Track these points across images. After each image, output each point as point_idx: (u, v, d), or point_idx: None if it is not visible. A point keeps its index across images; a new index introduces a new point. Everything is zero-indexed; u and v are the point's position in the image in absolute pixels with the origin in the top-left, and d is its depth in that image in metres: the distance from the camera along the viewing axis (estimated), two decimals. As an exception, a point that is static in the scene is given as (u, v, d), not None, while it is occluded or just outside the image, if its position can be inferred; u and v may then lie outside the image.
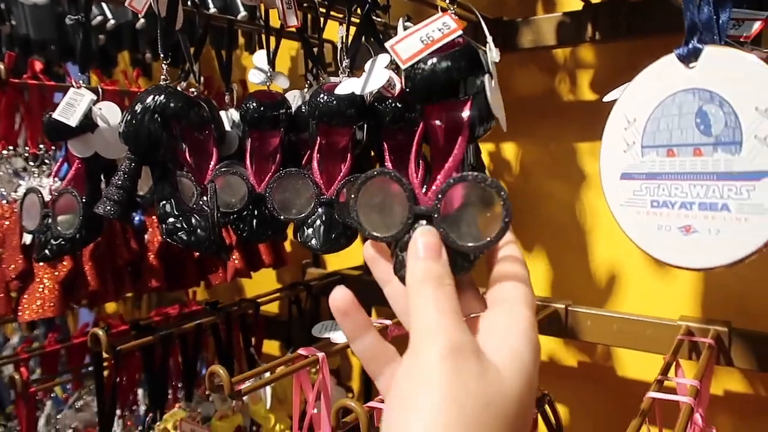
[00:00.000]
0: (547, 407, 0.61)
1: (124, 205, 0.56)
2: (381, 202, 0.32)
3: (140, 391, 0.96)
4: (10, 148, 0.77)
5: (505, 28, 0.82)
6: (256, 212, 0.65)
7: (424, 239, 0.30)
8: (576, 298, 0.83)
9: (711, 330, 0.68)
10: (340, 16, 0.72)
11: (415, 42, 0.40)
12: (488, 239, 0.29)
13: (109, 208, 0.55)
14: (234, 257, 0.94)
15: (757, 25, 0.37)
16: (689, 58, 0.34)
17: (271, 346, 1.19)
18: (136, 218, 0.86)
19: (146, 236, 0.87)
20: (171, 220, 0.57)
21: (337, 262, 1.12)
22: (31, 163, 0.77)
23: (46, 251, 0.62)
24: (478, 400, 0.26)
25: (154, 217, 0.86)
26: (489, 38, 0.47)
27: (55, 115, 0.61)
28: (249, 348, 0.89)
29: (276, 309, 1.18)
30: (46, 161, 0.77)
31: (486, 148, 0.97)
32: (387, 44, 0.42)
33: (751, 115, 0.31)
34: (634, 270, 0.85)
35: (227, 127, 0.73)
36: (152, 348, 0.70)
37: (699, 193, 0.34)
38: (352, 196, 0.32)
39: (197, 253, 0.89)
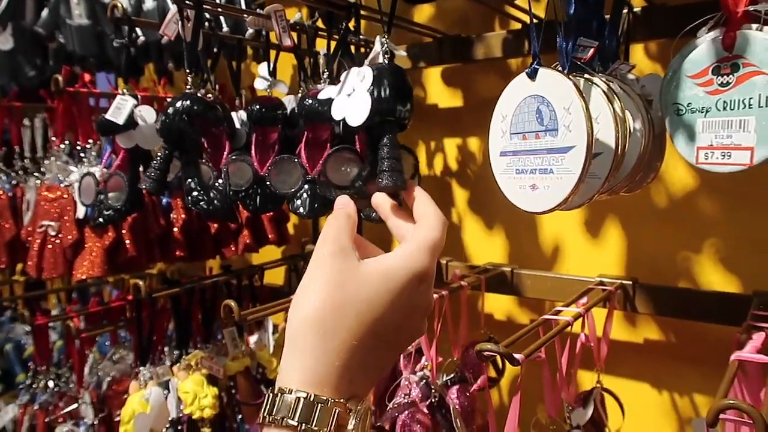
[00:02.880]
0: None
1: (160, 183, 0.75)
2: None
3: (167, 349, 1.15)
4: (67, 142, 0.97)
5: (463, 43, 1.01)
6: (260, 190, 0.83)
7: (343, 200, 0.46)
8: (526, 264, 1.02)
9: (618, 282, 0.86)
10: (325, 34, 0.90)
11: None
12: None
13: (149, 184, 0.74)
14: (244, 234, 1.13)
15: (591, 51, 0.55)
16: (533, 75, 0.52)
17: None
18: (164, 200, 1.06)
19: (172, 215, 1.06)
20: (195, 193, 0.76)
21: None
22: (81, 155, 0.97)
23: (100, 219, 0.82)
24: (345, 284, 0.38)
25: (178, 199, 1.06)
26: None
27: (107, 116, 0.81)
28: (255, 304, 1.08)
29: (280, 281, 1.37)
30: (93, 153, 0.97)
31: (455, 141, 1.16)
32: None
33: (562, 111, 0.50)
34: (571, 241, 1.03)
35: (237, 125, 0.92)
36: (179, 297, 0.90)
37: (538, 162, 0.52)
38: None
39: (215, 224, 1.08)
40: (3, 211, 1.05)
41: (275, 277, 1.31)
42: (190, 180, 0.77)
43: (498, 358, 0.82)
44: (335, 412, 0.36)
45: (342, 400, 0.37)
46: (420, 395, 0.79)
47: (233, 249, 1.14)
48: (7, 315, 1.42)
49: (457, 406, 0.80)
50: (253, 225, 1.14)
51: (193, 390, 0.85)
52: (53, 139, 0.98)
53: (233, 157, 0.82)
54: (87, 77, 0.98)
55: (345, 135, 0.79)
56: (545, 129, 0.51)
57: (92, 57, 1.21)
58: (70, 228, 0.95)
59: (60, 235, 0.95)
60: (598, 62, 0.60)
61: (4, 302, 1.28)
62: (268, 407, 0.37)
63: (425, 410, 0.77)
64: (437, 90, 1.16)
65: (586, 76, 0.56)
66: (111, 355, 1.17)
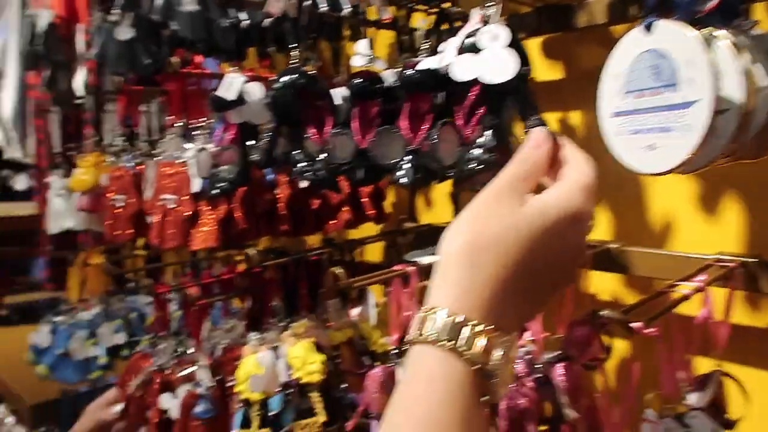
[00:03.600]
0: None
1: (269, 156, 0.79)
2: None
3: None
4: (181, 122, 1.04)
5: (563, 11, 0.97)
6: (362, 163, 0.85)
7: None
8: (633, 241, 0.97)
9: (740, 260, 0.80)
10: (425, 7, 0.91)
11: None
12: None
13: (258, 157, 0.78)
14: (344, 210, 1.16)
15: (712, 2, 0.51)
16: (649, 28, 0.50)
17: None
18: (269, 176, 1.10)
19: (277, 191, 1.11)
20: (301, 164, 0.79)
21: (427, 217, 1.32)
22: (195, 133, 1.03)
23: (214, 191, 0.87)
24: (500, 219, 0.39)
25: (283, 175, 1.10)
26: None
27: (218, 93, 0.85)
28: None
29: (378, 257, 1.40)
30: (206, 131, 1.03)
31: (555, 116, 1.12)
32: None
33: (682, 65, 0.47)
34: (684, 216, 0.98)
35: (339, 101, 0.94)
36: (287, 268, 0.94)
37: (656, 121, 0.50)
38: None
39: (316, 200, 1.12)
40: (128, 188, 1.14)
41: (374, 254, 1.33)
42: (296, 152, 0.80)
43: (603, 339, 0.79)
44: (483, 336, 0.37)
45: (491, 327, 0.37)
46: (525, 371, 0.78)
47: (334, 224, 1.17)
48: (130, 287, 1.55)
49: (562, 384, 0.78)
50: (353, 201, 1.17)
51: (302, 355, 0.89)
52: (169, 118, 1.05)
53: (336, 131, 0.85)
54: (198, 59, 1.04)
55: (449, 103, 0.79)
56: (664, 85, 0.49)
57: (201, 42, 1.28)
58: (187, 201, 1.01)
59: (178, 208, 1.02)
60: (719, 16, 0.56)
61: (128, 274, 1.39)
62: (417, 326, 0.38)
63: (530, 384, 0.76)
64: (537, 62, 1.13)
65: (709, 28, 0.52)
66: (223, 326, 1.25)
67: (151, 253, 1.44)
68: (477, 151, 0.64)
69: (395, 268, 0.83)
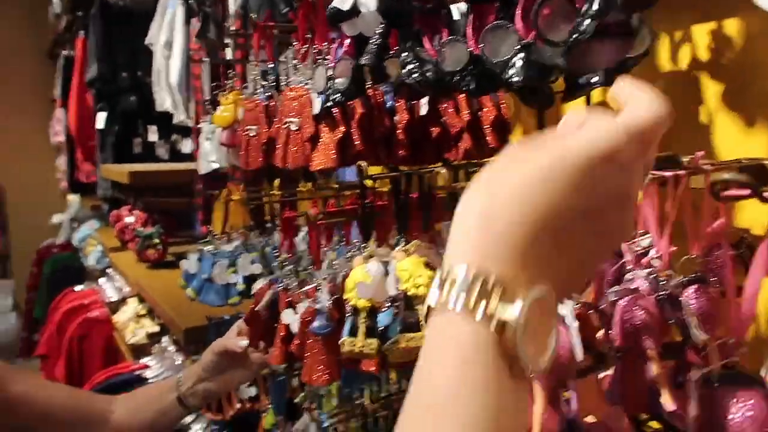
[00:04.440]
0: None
1: (379, 57, 0.79)
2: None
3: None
4: (305, 46, 1.07)
5: None
6: (475, 71, 0.82)
7: None
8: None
9: None
10: None
11: None
12: None
13: (367, 58, 0.78)
14: (464, 138, 1.13)
15: None
16: None
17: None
18: (389, 102, 1.11)
19: (396, 117, 1.11)
20: (410, 66, 0.78)
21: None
22: (318, 56, 1.06)
23: (329, 103, 0.89)
24: (522, 163, 0.35)
25: (401, 101, 1.10)
26: None
27: (334, 4, 0.87)
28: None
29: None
30: (328, 54, 1.05)
31: (706, 27, 0.99)
32: None
33: None
34: None
35: (457, 16, 0.91)
36: (398, 183, 0.94)
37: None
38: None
39: (436, 129, 1.10)
40: (259, 118, 1.21)
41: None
42: (406, 54, 0.78)
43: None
44: (499, 288, 0.32)
45: (512, 278, 0.33)
46: (647, 289, 0.71)
47: (453, 153, 1.15)
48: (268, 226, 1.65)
49: (693, 307, 0.70)
50: (473, 130, 1.14)
51: (410, 269, 0.89)
52: (294, 43, 1.09)
53: (449, 39, 0.82)
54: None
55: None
56: None
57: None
58: (308, 123, 1.05)
59: (300, 130, 1.06)
60: None
61: (265, 203, 1.48)
62: (434, 290, 0.35)
63: (651, 300, 0.68)
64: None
65: None
66: (344, 255, 1.29)
67: (285, 193, 1.51)
68: (586, 22, 0.58)
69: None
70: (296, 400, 1.53)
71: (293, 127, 1.07)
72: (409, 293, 0.89)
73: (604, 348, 0.67)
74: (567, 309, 0.63)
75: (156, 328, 2.70)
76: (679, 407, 0.64)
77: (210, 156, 1.66)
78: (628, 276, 0.71)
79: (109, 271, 3.50)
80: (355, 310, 0.91)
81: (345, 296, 0.90)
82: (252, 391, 1.74)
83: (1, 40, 5.09)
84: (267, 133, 1.19)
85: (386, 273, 0.92)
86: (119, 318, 2.99)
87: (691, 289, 0.71)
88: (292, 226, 1.24)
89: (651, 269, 0.74)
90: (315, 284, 1.14)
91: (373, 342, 0.91)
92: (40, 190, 5.15)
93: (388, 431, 1.06)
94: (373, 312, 0.92)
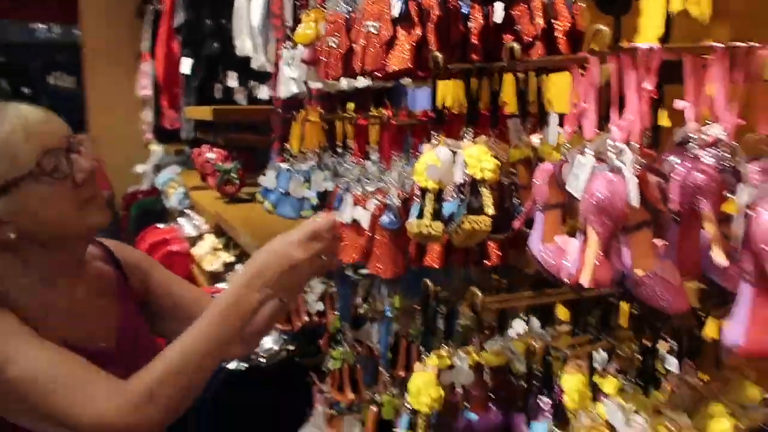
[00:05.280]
0: None
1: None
2: None
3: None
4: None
5: None
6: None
7: None
8: None
9: None
10: None
11: None
12: None
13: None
14: (537, 45, 1.16)
15: None
16: None
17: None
18: (464, 9, 1.15)
19: (470, 23, 1.15)
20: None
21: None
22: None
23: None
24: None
25: (475, 6, 1.14)
26: None
27: None
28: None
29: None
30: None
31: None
32: None
33: None
34: None
35: None
36: (470, 72, 1.00)
37: None
38: None
39: (510, 36, 1.13)
40: (340, 30, 1.28)
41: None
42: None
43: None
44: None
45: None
46: (710, 159, 0.72)
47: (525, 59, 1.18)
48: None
49: (756, 182, 0.71)
50: (546, 38, 1.16)
51: (478, 155, 0.94)
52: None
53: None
54: None
55: None
56: None
57: None
58: (387, 25, 1.10)
59: (378, 33, 1.12)
60: None
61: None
62: None
63: (713, 164, 0.70)
64: None
65: None
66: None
67: (358, 116, 1.57)
68: None
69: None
70: (360, 311, 1.63)
71: (372, 30, 1.13)
72: (476, 177, 0.94)
73: (660, 206, 0.70)
74: (627, 160, 0.67)
75: (231, 258, 2.88)
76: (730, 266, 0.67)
77: (290, 81, 1.75)
78: (690, 146, 0.73)
79: (187, 211, 3.73)
80: (423, 193, 0.97)
81: (415, 178, 0.97)
82: (320, 306, 1.86)
83: (92, 2, 5.39)
84: (347, 43, 1.26)
85: (454, 161, 0.97)
86: (197, 252, 3.19)
87: (757, 165, 0.72)
88: (364, 130, 1.31)
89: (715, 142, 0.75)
90: (384, 185, 1.21)
91: (439, 225, 0.97)
92: (126, 141, 5.47)
93: (448, 331, 1.12)
94: (439, 197, 0.98)
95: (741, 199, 0.60)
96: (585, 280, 0.66)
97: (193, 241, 3.38)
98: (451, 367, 1.05)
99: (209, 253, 3.08)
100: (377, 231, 1.19)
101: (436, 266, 1.16)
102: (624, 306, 0.98)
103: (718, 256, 0.66)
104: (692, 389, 0.83)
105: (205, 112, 2.93)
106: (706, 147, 0.73)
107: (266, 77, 3.54)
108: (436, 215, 0.98)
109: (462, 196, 0.97)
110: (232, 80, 3.50)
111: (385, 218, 1.17)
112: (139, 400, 0.87)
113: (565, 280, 0.75)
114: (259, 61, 2.99)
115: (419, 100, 1.75)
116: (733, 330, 0.59)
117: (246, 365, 2.00)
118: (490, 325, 1.11)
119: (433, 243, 1.12)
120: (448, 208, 1.00)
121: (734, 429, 0.77)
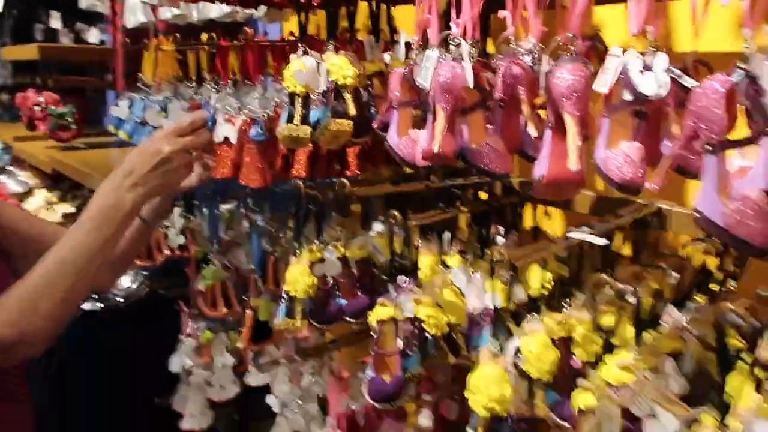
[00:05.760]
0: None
1: None
2: None
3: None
4: None
5: None
6: None
7: None
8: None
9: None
10: None
11: None
12: None
13: None
14: None
15: None
16: None
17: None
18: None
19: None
20: None
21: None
22: None
23: None
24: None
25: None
26: None
27: None
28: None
29: None
30: None
31: None
32: None
33: None
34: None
35: None
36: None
37: None
38: None
39: None
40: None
41: None
42: None
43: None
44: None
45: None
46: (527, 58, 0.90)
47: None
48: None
49: (566, 83, 0.88)
50: None
51: (339, 63, 1.06)
52: None
53: None
54: None
55: None
56: None
57: None
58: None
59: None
60: None
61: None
62: None
63: (528, 61, 0.88)
64: None
65: None
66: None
67: (214, 45, 1.60)
68: None
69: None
70: (226, 237, 1.70)
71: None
72: (339, 83, 1.07)
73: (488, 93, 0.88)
74: (464, 51, 0.83)
75: (72, 209, 2.72)
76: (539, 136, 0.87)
77: (137, 10, 1.72)
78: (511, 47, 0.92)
79: (8, 167, 3.40)
80: (293, 99, 1.08)
81: (284, 84, 1.07)
82: (181, 240, 1.88)
83: None
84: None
85: (318, 69, 1.09)
86: (29, 208, 2.96)
87: (564, 68, 0.92)
88: (224, 59, 1.37)
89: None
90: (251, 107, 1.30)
91: (307, 128, 1.09)
92: None
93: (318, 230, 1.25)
94: (306, 103, 1.09)
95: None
96: (435, 147, 0.83)
97: (21, 197, 3.12)
98: (322, 260, 1.20)
99: (43, 207, 2.88)
100: (246, 144, 1.27)
101: (303, 175, 1.28)
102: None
103: (531, 129, 0.87)
104: (514, 250, 1.04)
105: (29, 52, 2.70)
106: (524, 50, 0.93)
107: (96, 19, 3.31)
108: (304, 120, 1.09)
109: (326, 102, 1.09)
110: (56, 21, 3.23)
111: (253, 131, 1.25)
112: (19, 312, 0.87)
113: (419, 158, 0.91)
114: (88, 1, 2.81)
115: (271, 35, 1.83)
116: (539, 166, 0.79)
117: (101, 305, 1.97)
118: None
119: (300, 148, 1.23)
120: (314, 114, 1.11)
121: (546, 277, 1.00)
